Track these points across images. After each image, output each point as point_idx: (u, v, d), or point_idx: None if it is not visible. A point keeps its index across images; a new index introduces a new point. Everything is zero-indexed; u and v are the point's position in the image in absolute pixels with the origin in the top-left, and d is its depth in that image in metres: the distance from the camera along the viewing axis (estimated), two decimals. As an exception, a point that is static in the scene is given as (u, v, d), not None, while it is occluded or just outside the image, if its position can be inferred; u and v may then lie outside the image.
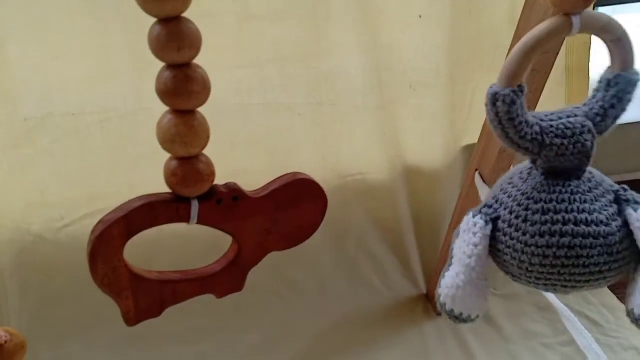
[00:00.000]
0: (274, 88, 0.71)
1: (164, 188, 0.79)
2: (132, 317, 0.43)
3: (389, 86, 0.73)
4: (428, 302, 0.87)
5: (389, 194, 0.81)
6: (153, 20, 0.37)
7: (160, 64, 0.66)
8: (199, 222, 0.41)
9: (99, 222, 0.40)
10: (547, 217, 0.37)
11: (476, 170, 0.67)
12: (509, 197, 0.39)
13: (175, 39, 0.36)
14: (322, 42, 0.69)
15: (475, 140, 0.70)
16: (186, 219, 0.41)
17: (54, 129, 0.67)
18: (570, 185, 0.38)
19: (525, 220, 0.38)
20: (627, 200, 0.38)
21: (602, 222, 0.37)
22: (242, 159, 0.73)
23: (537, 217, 0.38)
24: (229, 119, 0.71)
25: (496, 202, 0.40)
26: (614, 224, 0.37)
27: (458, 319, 0.41)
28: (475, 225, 0.39)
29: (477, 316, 0.41)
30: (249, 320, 0.77)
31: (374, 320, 0.82)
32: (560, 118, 0.38)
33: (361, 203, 0.80)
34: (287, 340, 0.77)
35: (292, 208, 0.44)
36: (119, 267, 0.41)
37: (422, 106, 0.75)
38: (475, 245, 0.39)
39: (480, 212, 0.40)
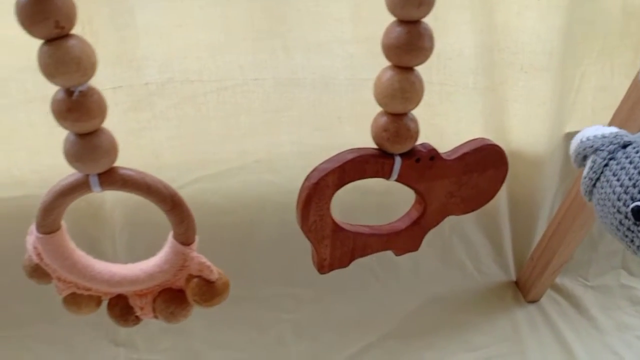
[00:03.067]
0: (385, 64, 0.70)
1: (274, 156, 0.81)
2: (327, 265, 0.46)
3: (501, 67, 0.73)
4: (518, 289, 0.86)
5: (488, 178, 0.81)
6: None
7: (263, 39, 0.67)
8: (397, 179, 0.43)
9: (314, 170, 0.42)
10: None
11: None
12: None
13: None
14: (438, 21, 0.69)
15: (578, 128, 0.68)
16: (388, 174, 0.42)
17: (173, 95, 0.69)
18: None
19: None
20: None
21: None
22: (347, 133, 0.74)
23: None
24: (338, 93, 0.72)
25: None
26: None
27: None
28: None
29: None
30: (344, 294, 0.78)
31: (464, 303, 0.82)
32: None
33: (460, 185, 0.80)
34: (379, 316, 0.78)
35: (477, 173, 0.44)
36: (326, 215, 0.43)
37: (531, 89, 0.74)
38: None
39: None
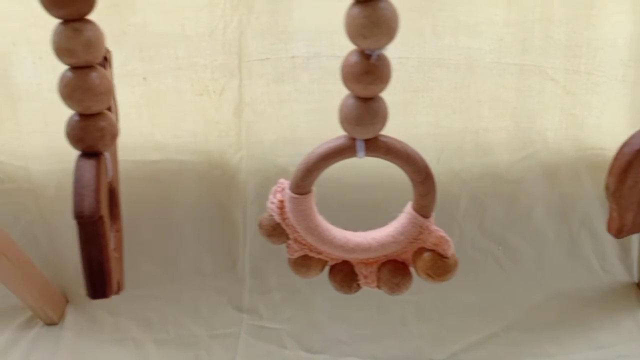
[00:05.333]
0: (533, 49, 0.69)
1: (409, 136, 0.81)
2: (625, 231, 0.48)
3: (656, 62, 0.70)
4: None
5: (624, 174, 0.78)
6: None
7: (413, 18, 0.67)
8: None
9: (633, 136, 0.44)
10: None
11: None
12: None
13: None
14: (594, 9, 0.67)
15: None
16: None
17: (317, 69, 0.70)
18: None
19: None
20: None
21: None
22: (486, 116, 0.73)
23: None
24: (481, 75, 0.71)
25: None
26: None
27: None
28: None
29: None
30: (467, 281, 0.78)
31: (588, 299, 0.80)
32: None
33: (594, 179, 0.78)
34: (501, 306, 0.77)
35: None
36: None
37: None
38: None
39: None
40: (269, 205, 0.44)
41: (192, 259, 0.80)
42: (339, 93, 0.72)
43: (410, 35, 0.68)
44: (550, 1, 0.67)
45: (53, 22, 0.68)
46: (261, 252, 0.80)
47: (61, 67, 0.70)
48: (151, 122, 0.74)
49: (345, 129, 0.39)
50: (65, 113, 0.73)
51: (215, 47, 0.69)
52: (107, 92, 0.40)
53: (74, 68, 0.39)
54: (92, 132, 0.40)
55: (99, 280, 0.41)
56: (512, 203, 0.77)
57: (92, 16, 0.66)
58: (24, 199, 0.77)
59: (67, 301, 0.81)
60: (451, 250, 0.43)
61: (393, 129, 0.75)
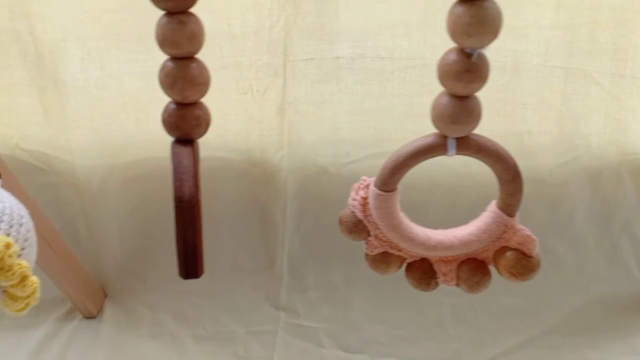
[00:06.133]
0: (580, 53, 0.69)
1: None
2: None
3: None
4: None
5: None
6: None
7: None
8: None
9: None
10: None
11: None
12: None
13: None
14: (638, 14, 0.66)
15: None
16: None
17: (361, 70, 0.70)
18: None
19: None
20: None
21: None
22: (530, 119, 0.73)
23: None
24: (527, 78, 0.70)
25: None
26: None
27: None
28: None
29: None
30: (506, 284, 0.77)
31: (627, 305, 0.79)
32: None
33: (636, 184, 0.77)
34: (541, 310, 0.76)
35: None
36: None
37: None
38: None
39: None
40: (350, 202, 0.44)
41: (230, 256, 0.81)
42: (381, 94, 0.73)
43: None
44: (598, 5, 0.66)
45: (102, 20, 0.69)
46: (299, 251, 0.80)
47: (109, 65, 0.71)
48: (194, 120, 0.75)
49: (437, 127, 0.39)
50: (111, 110, 0.74)
51: (261, 47, 0.70)
52: (206, 82, 0.41)
53: (175, 59, 0.40)
54: (189, 120, 0.42)
55: (192, 261, 0.43)
56: (554, 207, 0.77)
57: (138, 11, 0.67)
58: (67, 192, 0.79)
59: (105, 295, 0.82)
60: (536, 249, 0.42)
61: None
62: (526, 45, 0.68)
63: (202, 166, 0.78)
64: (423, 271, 0.45)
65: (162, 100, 0.74)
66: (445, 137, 0.39)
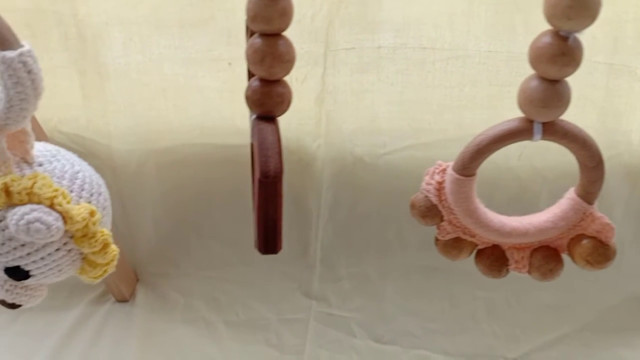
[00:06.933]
0: (624, 49, 0.68)
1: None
2: None
3: None
4: None
5: None
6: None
7: (504, 12, 0.66)
8: None
9: None
10: None
11: None
12: None
13: None
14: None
15: None
16: None
17: (402, 60, 0.70)
18: None
19: None
20: None
21: None
22: (572, 114, 0.71)
23: None
24: (570, 73, 0.70)
25: None
26: None
27: None
28: None
29: None
30: (541, 279, 0.77)
31: (663, 305, 0.79)
32: None
33: (675, 183, 0.76)
34: (576, 307, 0.76)
35: None
36: None
37: None
38: None
39: None
40: (424, 186, 0.43)
41: (263, 244, 0.81)
42: (421, 85, 0.72)
43: (502, 29, 0.67)
44: (643, 0, 0.65)
45: (145, 5, 0.69)
46: (333, 241, 0.80)
47: (150, 50, 0.71)
48: (232, 107, 0.75)
49: (525, 111, 0.39)
50: (150, 95, 0.74)
51: (302, 35, 0.69)
52: (292, 60, 0.41)
53: (264, 35, 0.40)
54: (273, 97, 0.41)
55: (272, 236, 0.42)
56: (592, 204, 0.76)
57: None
58: (104, 176, 0.78)
59: (137, 279, 0.83)
60: (614, 238, 0.42)
61: (476, 123, 0.75)
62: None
63: (239, 154, 0.78)
64: (494, 258, 0.45)
65: (201, 87, 0.74)
66: (531, 122, 0.39)
